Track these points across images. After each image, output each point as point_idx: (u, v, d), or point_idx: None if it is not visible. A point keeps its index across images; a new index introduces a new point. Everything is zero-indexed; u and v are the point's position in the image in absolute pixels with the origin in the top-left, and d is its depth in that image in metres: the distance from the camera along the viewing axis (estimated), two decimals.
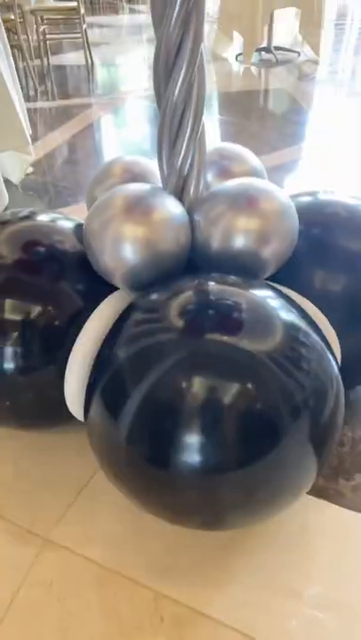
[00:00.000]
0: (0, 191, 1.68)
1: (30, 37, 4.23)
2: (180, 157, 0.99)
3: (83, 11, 4.09)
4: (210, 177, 1.13)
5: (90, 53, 4.37)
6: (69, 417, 1.03)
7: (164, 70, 0.91)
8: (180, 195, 1.02)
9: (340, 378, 0.91)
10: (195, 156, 1.00)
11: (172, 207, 0.97)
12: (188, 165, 1.00)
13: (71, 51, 5.04)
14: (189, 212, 1.01)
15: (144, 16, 6.82)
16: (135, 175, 1.13)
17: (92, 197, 1.14)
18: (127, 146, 2.98)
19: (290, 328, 0.87)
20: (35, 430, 1.16)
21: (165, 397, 0.82)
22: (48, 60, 4.41)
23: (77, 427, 1.05)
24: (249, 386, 0.81)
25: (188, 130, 0.96)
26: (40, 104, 3.57)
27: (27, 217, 1.14)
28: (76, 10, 4.05)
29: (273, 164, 2.52)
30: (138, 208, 0.94)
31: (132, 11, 7.95)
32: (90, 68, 4.37)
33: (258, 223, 0.96)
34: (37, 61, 4.38)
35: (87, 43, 4.32)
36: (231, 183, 1.02)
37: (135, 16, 7.46)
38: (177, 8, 0.85)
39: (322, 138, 2.95)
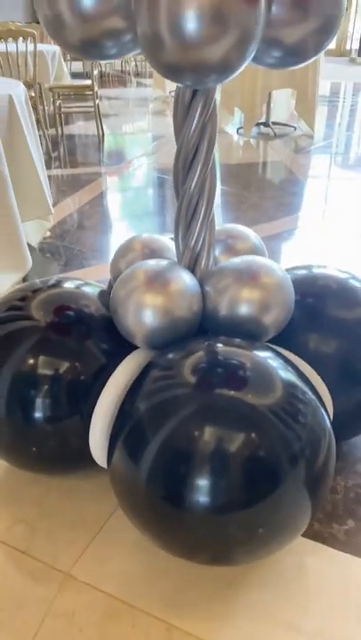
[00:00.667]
0: (25, 255, 1.86)
1: (47, 109, 4.57)
2: (194, 237, 1.16)
3: (96, 88, 4.45)
4: (218, 253, 1.29)
5: (101, 125, 4.70)
6: (89, 463, 1.15)
7: (182, 168, 1.10)
8: (192, 268, 1.18)
9: (331, 431, 1.04)
10: (206, 236, 1.17)
11: (186, 279, 1.13)
12: (200, 244, 1.17)
13: (83, 120, 5.40)
14: (201, 283, 1.17)
15: (150, 89, 7.30)
16: (153, 250, 1.29)
17: (116, 268, 1.30)
18: (134, 212, 3.20)
19: (288, 385, 1.00)
20: (57, 475, 1.27)
21: (180, 445, 0.95)
22: (62, 129, 4.74)
23: (95, 472, 1.16)
24: (252, 435, 0.94)
25: (202, 215, 1.13)
26: (54, 171, 3.83)
27: (55, 284, 1.29)
28: (89, 87, 4.41)
29: (271, 233, 2.73)
30: (157, 281, 1.10)
31: (139, 84, 8.51)
32: (100, 138, 4.69)
33: (259, 294, 1.11)
34: (52, 130, 4.71)
35: (99, 115, 4.66)
36: (236, 260, 1.19)
37: (142, 89, 7.98)
38: (195, 121, 1.04)
39: (317, 208, 3.18)
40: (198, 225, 1.15)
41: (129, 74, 9.23)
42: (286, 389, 1.00)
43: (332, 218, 3.03)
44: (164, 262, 1.17)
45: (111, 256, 1.36)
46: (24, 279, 1.95)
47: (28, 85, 3.90)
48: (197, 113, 1.01)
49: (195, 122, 1.02)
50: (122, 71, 9.77)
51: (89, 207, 3.14)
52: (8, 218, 1.76)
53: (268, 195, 3.36)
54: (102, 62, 8.64)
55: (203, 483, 0.93)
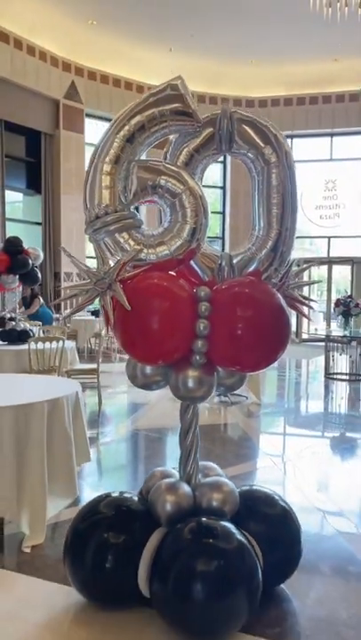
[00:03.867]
0: (75, 486, 2.95)
1: None
2: (189, 467, 2.34)
3: (100, 369, 6.01)
4: (200, 475, 2.46)
5: (100, 396, 6.13)
6: (134, 600, 2.11)
7: (183, 442, 2.35)
8: (189, 483, 2.34)
9: (260, 571, 2.09)
10: (194, 468, 2.36)
11: (185, 488, 2.29)
12: (191, 471, 2.35)
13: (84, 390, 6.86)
14: (193, 490, 2.31)
15: None
16: (165, 475, 2.46)
17: (147, 485, 2.43)
18: (131, 467, 4.36)
19: (238, 542, 2.09)
20: (110, 611, 2.18)
21: (185, 574, 1.99)
22: None
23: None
24: (222, 563, 2.00)
25: (192, 458, 2.34)
26: None
27: (107, 496, 2.41)
28: (94, 370, 5.98)
29: (233, 473, 3.89)
30: (172, 489, 2.25)
31: (121, 359, 10.36)
32: (99, 406, 6.08)
33: (222, 496, 2.27)
34: None
35: (99, 387, 6.12)
36: (209, 479, 2.37)
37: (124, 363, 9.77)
38: (190, 414, 2.33)
39: (264, 458, 4.43)
40: (190, 463, 2.35)
41: (113, 350, 11.28)
42: (238, 542, 2.09)
43: (274, 467, 4.26)
44: (173, 479, 2.33)
45: None
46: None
47: (53, 369, 5.40)
48: (190, 412, 2.31)
49: (189, 414, 2.32)
50: (107, 348, 11.85)
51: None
52: (69, 459, 2.91)
53: (229, 448, 4.62)
54: (92, 340, 10.68)
55: (204, 582, 1.94)
